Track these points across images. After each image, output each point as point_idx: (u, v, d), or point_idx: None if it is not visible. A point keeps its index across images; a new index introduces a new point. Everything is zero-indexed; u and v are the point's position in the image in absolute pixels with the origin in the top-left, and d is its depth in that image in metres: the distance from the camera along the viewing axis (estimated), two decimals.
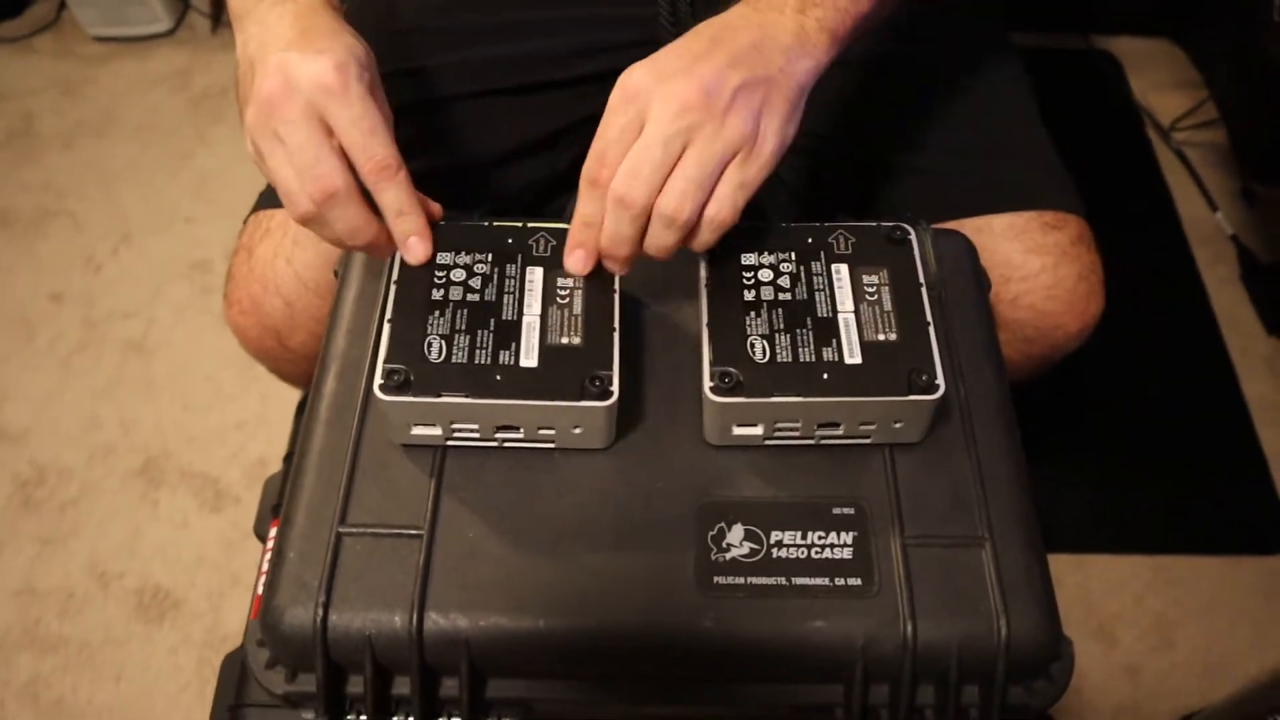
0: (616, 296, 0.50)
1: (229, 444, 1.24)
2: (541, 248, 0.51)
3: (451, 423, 0.47)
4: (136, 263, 1.40)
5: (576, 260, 0.50)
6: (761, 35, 0.49)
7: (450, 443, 0.49)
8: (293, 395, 1.26)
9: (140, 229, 1.44)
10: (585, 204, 0.49)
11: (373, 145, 0.48)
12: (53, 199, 1.47)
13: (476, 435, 0.48)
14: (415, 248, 0.51)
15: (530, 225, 0.52)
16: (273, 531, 0.65)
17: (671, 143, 0.46)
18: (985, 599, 0.45)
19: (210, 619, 1.10)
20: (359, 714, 0.47)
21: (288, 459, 0.72)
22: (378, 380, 0.46)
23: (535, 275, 0.50)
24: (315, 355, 0.68)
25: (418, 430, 0.48)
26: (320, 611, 0.44)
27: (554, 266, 0.51)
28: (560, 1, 0.72)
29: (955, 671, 0.45)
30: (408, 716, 0.47)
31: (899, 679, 0.45)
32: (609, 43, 0.72)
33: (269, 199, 0.70)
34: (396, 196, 0.49)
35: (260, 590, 0.65)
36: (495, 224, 0.53)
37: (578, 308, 0.49)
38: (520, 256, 0.51)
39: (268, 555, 0.63)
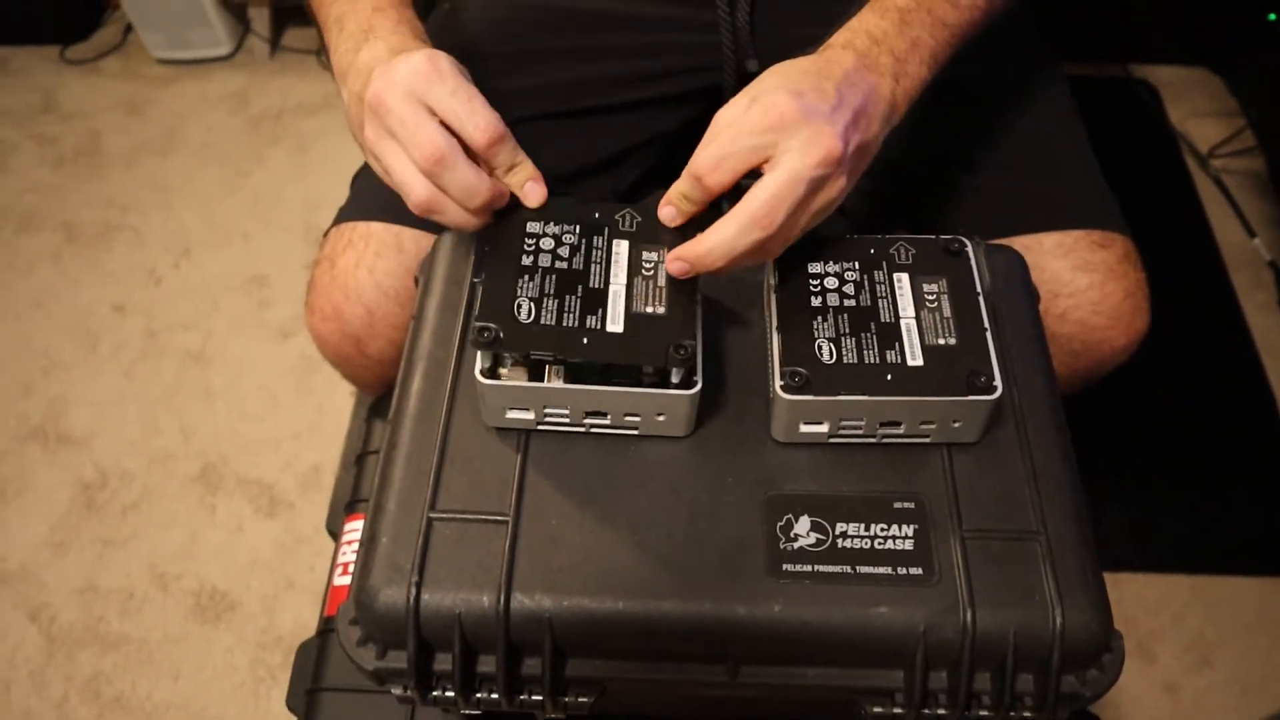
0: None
1: (283, 452, 1.27)
2: (627, 223, 0.54)
3: (545, 407, 0.50)
4: (196, 276, 1.44)
5: (668, 215, 0.53)
6: (868, 100, 0.51)
7: (540, 427, 0.51)
8: (346, 407, 1.30)
9: (199, 244, 1.48)
10: (691, 191, 0.52)
11: (475, 112, 0.51)
12: (116, 214, 1.52)
13: (566, 420, 0.50)
14: (533, 191, 0.54)
15: (615, 204, 0.55)
16: (349, 525, 0.69)
17: (810, 186, 0.49)
18: (1040, 590, 0.47)
19: (264, 620, 1.13)
20: (444, 689, 0.49)
21: (359, 459, 0.75)
22: (471, 336, 0.48)
23: (621, 248, 0.53)
24: (391, 361, 0.71)
25: (512, 414, 0.50)
26: (413, 591, 0.47)
27: (639, 241, 0.53)
28: (623, 28, 0.75)
29: (1011, 659, 0.47)
30: (491, 692, 0.49)
31: (958, 665, 0.47)
32: (671, 68, 0.75)
33: (350, 212, 0.73)
34: (509, 155, 0.53)
35: (336, 580, 0.68)
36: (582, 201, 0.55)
37: (662, 280, 0.51)
38: (607, 230, 0.53)
39: (348, 545, 0.67)
